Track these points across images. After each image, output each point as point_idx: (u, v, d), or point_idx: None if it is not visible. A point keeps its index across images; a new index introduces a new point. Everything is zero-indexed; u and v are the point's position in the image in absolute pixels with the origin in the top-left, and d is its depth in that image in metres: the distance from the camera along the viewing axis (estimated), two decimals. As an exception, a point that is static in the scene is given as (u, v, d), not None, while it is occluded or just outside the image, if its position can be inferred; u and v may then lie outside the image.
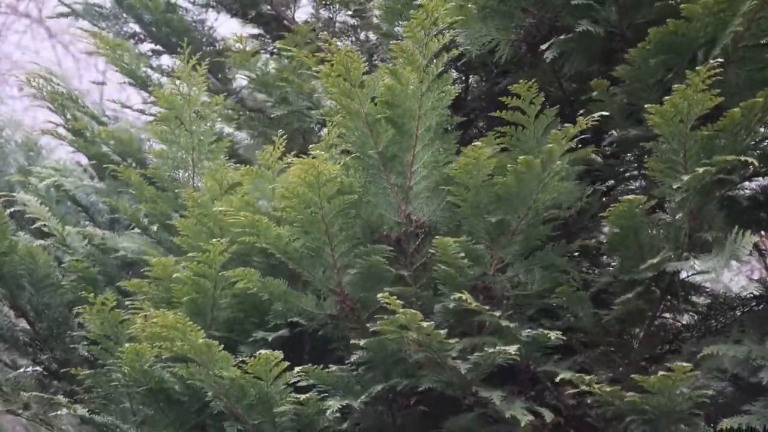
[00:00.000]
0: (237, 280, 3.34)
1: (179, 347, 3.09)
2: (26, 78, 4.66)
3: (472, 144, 3.02)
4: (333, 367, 3.20)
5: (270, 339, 3.44)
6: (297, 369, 3.15)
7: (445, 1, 3.21)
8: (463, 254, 3.10)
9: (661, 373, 2.81)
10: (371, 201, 3.27)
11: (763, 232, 3.80)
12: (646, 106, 2.94)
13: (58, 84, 4.76)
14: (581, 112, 3.39)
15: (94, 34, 4.72)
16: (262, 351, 3.03)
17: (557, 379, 3.02)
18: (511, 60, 3.55)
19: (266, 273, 3.50)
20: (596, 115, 3.01)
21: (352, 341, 3.12)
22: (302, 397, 3.09)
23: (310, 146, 3.43)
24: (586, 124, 2.96)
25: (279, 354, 3.05)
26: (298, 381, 3.18)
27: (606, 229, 3.30)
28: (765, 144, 3.21)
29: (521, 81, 3.05)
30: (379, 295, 2.95)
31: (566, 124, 2.98)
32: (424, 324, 2.89)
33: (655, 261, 3.01)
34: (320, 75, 3.17)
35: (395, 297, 2.89)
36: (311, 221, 3.16)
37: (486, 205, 3.13)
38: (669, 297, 3.36)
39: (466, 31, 3.44)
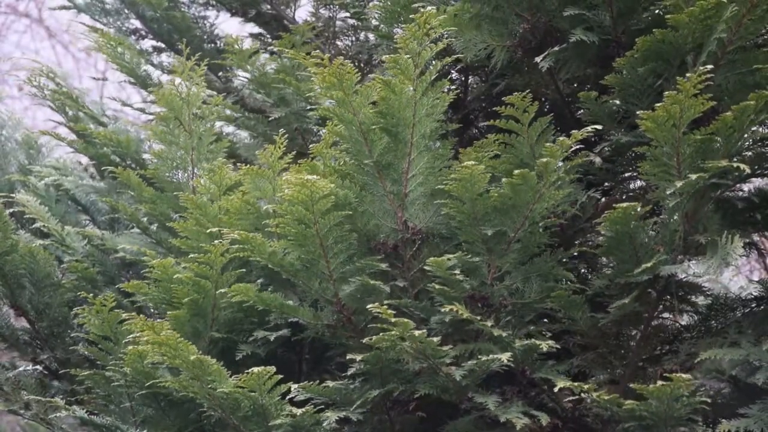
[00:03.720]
0: (237, 280, 3.35)
1: (171, 362, 3.11)
2: (27, 78, 4.66)
3: (465, 163, 3.01)
4: (330, 383, 3.20)
5: (272, 338, 3.46)
6: (294, 386, 3.16)
7: (438, 11, 3.21)
8: (458, 270, 3.11)
9: (660, 382, 2.81)
10: (367, 209, 3.27)
11: (759, 234, 3.80)
12: (638, 112, 2.94)
13: (59, 83, 4.75)
14: (579, 112, 3.40)
15: (96, 30, 4.72)
16: (255, 368, 3.02)
17: (556, 389, 3.02)
18: (508, 64, 3.55)
19: (268, 273, 3.51)
20: (590, 128, 3.00)
21: (349, 356, 3.13)
22: (298, 412, 3.08)
23: (311, 146, 3.43)
24: (581, 136, 2.97)
25: (272, 369, 3.04)
26: (296, 396, 3.20)
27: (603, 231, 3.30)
28: (759, 145, 3.21)
29: (516, 93, 3.05)
30: (369, 306, 2.96)
31: (560, 137, 2.98)
32: (417, 332, 2.90)
33: (649, 265, 3.01)
34: (317, 79, 3.17)
35: (386, 307, 2.90)
36: (305, 236, 3.15)
37: (482, 216, 3.13)
38: (667, 298, 3.36)
39: (461, 38, 3.44)
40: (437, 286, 3.11)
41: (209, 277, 3.40)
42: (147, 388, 3.37)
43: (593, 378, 3.39)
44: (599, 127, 3.09)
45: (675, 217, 3.10)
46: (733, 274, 6.21)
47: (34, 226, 4.35)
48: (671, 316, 3.60)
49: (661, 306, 3.40)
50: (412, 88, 3.12)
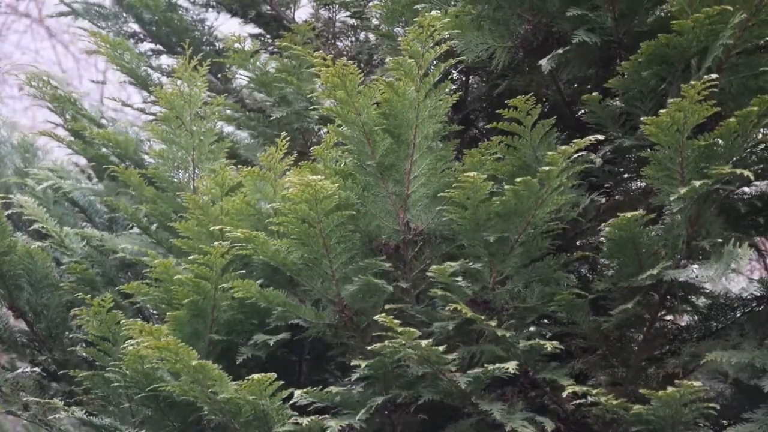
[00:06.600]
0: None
1: (172, 367, 3.10)
2: (26, 78, 4.65)
3: (466, 174, 3.00)
4: (332, 388, 3.17)
5: (272, 343, 3.44)
6: (297, 392, 3.13)
7: (441, 13, 3.20)
8: (460, 276, 3.11)
9: (670, 388, 2.79)
10: (369, 210, 3.26)
11: (761, 237, 3.79)
12: (642, 118, 2.93)
13: (56, 87, 4.74)
14: (580, 113, 3.39)
15: (95, 33, 4.71)
16: (255, 375, 3.01)
17: (564, 394, 3.01)
18: (509, 65, 3.54)
19: (268, 274, 3.50)
20: (592, 137, 2.99)
21: (354, 362, 3.11)
22: (304, 421, 3.05)
23: (312, 148, 3.42)
24: (584, 144, 2.96)
25: (272, 375, 3.03)
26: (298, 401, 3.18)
27: (604, 232, 3.28)
28: (762, 147, 3.20)
29: (519, 95, 3.04)
30: (377, 317, 2.95)
31: (561, 147, 2.97)
32: (423, 342, 2.89)
33: (654, 272, 2.99)
34: (320, 77, 3.16)
35: (392, 317, 2.90)
36: (309, 235, 3.15)
37: (484, 221, 3.11)
38: (668, 298, 3.35)
39: (462, 39, 3.43)
40: (439, 292, 3.10)
41: (209, 278, 3.39)
42: (147, 390, 3.35)
43: (593, 379, 3.38)
44: (601, 137, 3.08)
45: (678, 221, 3.09)
46: (734, 275, 6.20)
47: (31, 228, 4.33)
48: (672, 317, 3.59)
49: (661, 309, 3.39)
50: (414, 91, 3.11)
